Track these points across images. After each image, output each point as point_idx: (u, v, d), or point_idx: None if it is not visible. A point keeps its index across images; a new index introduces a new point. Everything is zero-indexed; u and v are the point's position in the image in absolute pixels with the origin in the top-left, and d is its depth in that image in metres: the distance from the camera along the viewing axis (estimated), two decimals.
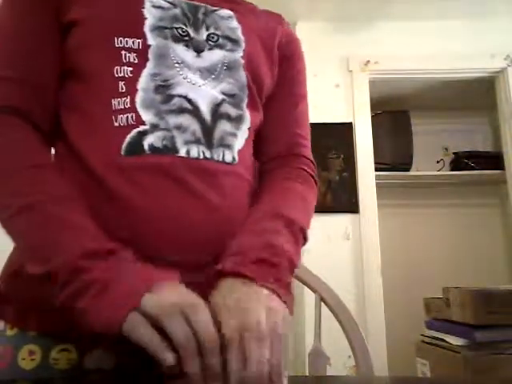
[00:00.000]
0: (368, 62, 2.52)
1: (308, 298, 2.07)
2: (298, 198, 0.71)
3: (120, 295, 0.48)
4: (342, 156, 2.43)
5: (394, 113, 2.97)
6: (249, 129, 0.69)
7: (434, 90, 2.87)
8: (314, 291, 0.92)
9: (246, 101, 0.68)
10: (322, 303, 0.90)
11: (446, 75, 2.58)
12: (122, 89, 0.61)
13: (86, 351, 0.58)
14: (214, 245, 0.59)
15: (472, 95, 2.86)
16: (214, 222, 0.60)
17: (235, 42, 0.69)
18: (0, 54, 0.63)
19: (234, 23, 0.71)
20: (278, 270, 0.56)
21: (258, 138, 0.74)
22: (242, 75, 0.68)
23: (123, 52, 0.62)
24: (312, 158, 0.81)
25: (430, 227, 3.11)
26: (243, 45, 0.70)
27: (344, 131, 2.46)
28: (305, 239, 0.67)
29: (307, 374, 1.00)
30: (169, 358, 0.45)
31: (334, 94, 2.51)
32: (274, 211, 0.64)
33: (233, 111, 0.66)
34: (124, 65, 0.62)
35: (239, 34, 0.70)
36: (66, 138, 0.63)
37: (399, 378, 0.98)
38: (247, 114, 0.69)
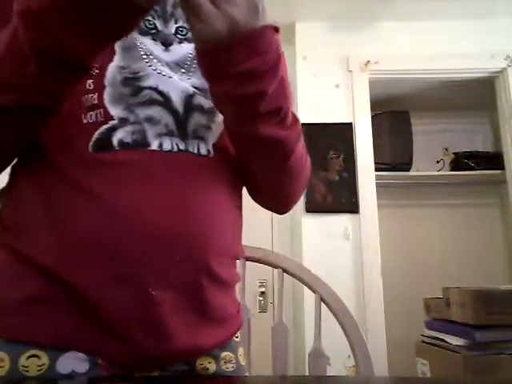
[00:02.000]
0: (368, 62, 2.52)
1: (308, 298, 2.07)
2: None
3: None
4: (342, 156, 2.43)
5: (394, 113, 2.97)
6: (224, 121, 0.65)
7: (434, 90, 2.87)
8: (314, 291, 0.92)
9: None
10: (322, 303, 0.90)
11: (446, 75, 2.58)
12: (90, 86, 0.59)
13: (59, 354, 0.55)
14: (185, 241, 0.57)
15: (472, 95, 2.86)
16: (186, 216, 0.57)
17: None
18: None
19: None
20: None
21: None
22: None
23: None
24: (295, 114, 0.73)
25: (430, 227, 3.11)
26: None
27: (344, 131, 2.46)
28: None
29: (307, 374, 1.00)
30: None
31: (334, 94, 2.51)
32: None
33: (206, 103, 0.63)
34: None
35: None
36: (39, 144, 0.60)
37: (399, 378, 0.98)
38: None
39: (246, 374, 0.72)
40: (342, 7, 2.45)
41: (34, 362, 0.54)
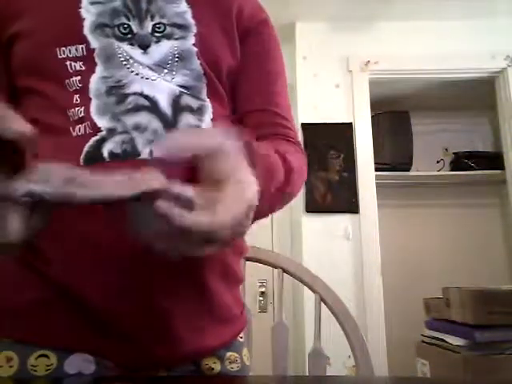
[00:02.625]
0: (368, 62, 2.52)
1: (308, 298, 2.07)
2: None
3: None
4: (342, 156, 2.43)
5: (394, 113, 2.97)
6: (212, 120, 0.63)
7: (434, 90, 2.87)
8: (314, 291, 0.92)
9: (205, 90, 0.64)
10: (322, 303, 0.90)
11: (446, 75, 2.58)
12: (77, 100, 0.59)
13: (66, 355, 0.56)
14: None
15: (472, 95, 2.86)
16: None
17: (184, 28, 0.64)
18: None
19: (183, 6, 0.65)
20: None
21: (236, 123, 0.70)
22: (197, 64, 0.64)
23: (68, 62, 0.59)
24: (297, 138, 0.73)
25: (430, 227, 3.11)
26: (194, 29, 0.65)
27: (344, 131, 2.46)
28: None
29: (307, 374, 1.00)
30: None
31: (334, 94, 2.51)
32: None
33: (194, 102, 0.62)
34: (72, 75, 0.59)
35: (188, 17, 0.65)
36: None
37: (399, 378, 0.98)
38: (209, 104, 0.64)
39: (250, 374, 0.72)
40: (342, 7, 2.45)
41: (43, 361, 0.55)
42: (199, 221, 0.40)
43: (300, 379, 0.80)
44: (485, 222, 3.12)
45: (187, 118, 0.61)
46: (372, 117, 2.53)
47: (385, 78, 2.59)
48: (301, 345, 2.25)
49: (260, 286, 2.61)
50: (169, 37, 0.63)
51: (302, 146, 0.74)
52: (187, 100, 0.62)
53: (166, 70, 0.62)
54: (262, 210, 0.51)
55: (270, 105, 0.71)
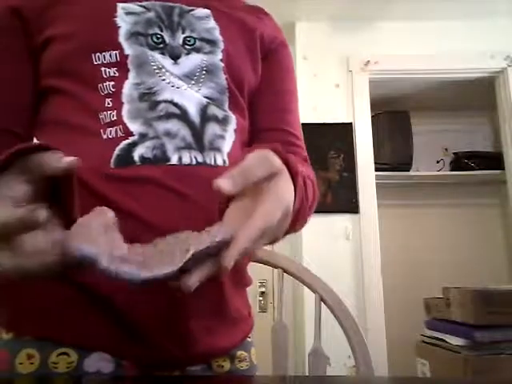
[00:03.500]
0: (368, 62, 2.52)
1: (308, 298, 2.07)
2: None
3: None
4: (342, 156, 2.43)
5: (394, 113, 2.97)
6: (235, 130, 0.67)
7: (434, 90, 2.87)
8: (314, 291, 0.92)
9: (227, 103, 0.68)
10: (322, 303, 0.90)
11: (445, 75, 2.58)
12: (109, 104, 0.61)
13: (86, 354, 0.57)
14: None
15: (472, 95, 2.86)
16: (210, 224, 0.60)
17: (213, 43, 0.68)
18: None
19: (211, 23, 0.70)
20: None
21: (249, 139, 0.73)
22: (222, 79, 0.67)
23: (103, 68, 0.62)
24: (307, 158, 0.79)
25: (429, 227, 3.11)
26: (222, 45, 0.69)
27: (344, 131, 2.46)
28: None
29: (307, 374, 1.00)
30: None
31: (334, 94, 2.51)
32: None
33: (219, 113, 0.66)
34: (106, 80, 0.62)
35: (217, 34, 0.69)
36: None
37: (399, 378, 0.98)
38: (232, 115, 0.68)
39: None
40: (342, 7, 2.45)
41: (64, 359, 0.56)
42: (238, 245, 0.42)
43: (300, 379, 0.80)
44: (485, 222, 3.11)
45: (213, 128, 0.64)
46: (372, 117, 2.53)
47: (385, 78, 2.59)
48: (301, 345, 2.25)
49: (260, 286, 2.61)
50: (198, 50, 0.66)
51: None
52: (214, 110, 0.65)
53: (192, 82, 0.65)
54: (293, 224, 0.55)
55: (283, 123, 0.76)
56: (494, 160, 2.93)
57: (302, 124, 0.80)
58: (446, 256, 3.00)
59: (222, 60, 0.68)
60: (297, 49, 2.53)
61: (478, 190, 3.12)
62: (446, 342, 1.80)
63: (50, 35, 0.63)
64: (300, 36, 2.55)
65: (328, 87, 2.51)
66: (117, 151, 0.58)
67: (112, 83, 0.61)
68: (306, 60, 2.53)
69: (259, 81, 0.75)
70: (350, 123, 2.47)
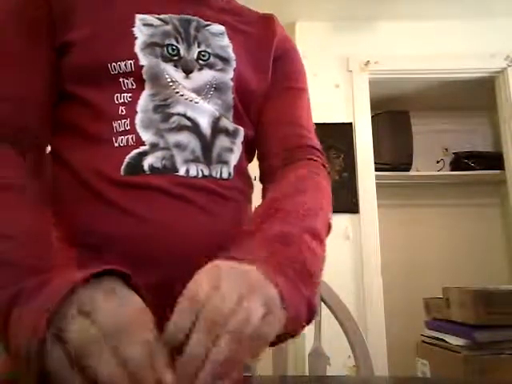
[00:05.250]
0: (368, 62, 2.52)
1: None
2: (315, 189, 0.68)
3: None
4: (342, 156, 2.43)
5: (394, 113, 2.97)
6: (242, 143, 0.69)
7: (434, 90, 2.87)
8: None
9: (231, 117, 0.69)
10: (322, 303, 0.90)
11: (446, 75, 2.58)
12: (122, 112, 0.62)
13: None
14: (209, 258, 0.59)
15: (472, 95, 2.86)
16: (214, 235, 0.61)
17: (226, 61, 0.69)
18: None
19: (226, 41, 0.71)
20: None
21: (261, 139, 0.74)
22: (230, 97, 0.69)
23: (121, 79, 0.63)
24: (319, 147, 0.79)
25: (429, 227, 3.10)
26: (234, 64, 0.70)
27: (344, 131, 2.46)
28: (328, 229, 0.65)
29: (307, 374, 1.00)
30: None
31: (334, 94, 2.51)
32: (292, 215, 0.60)
33: (230, 125, 0.68)
34: (124, 92, 0.63)
35: (230, 52, 0.70)
36: (58, 156, 0.64)
37: (399, 378, 0.98)
38: (240, 128, 0.70)
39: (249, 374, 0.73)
40: (342, 7, 2.45)
41: None
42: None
43: (300, 379, 0.80)
44: (485, 222, 3.11)
45: (223, 140, 0.66)
46: (372, 117, 2.53)
47: (385, 78, 2.59)
48: (301, 345, 2.25)
49: None
50: (211, 66, 0.68)
51: None
52: (225, 123, 0.67)
53: (201, 96, 0.66)
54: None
55: (296, 126, 0.78)
56: (493, 160, 2.92)
57: None
58: (446, 256, 3.00)
59: (232, 79, 0.69)
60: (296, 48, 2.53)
61: (478, 189, 3.12)
62: (446, 342, 1.80)
63: (70, 40, 0.64)
64: (300, 36, 2.55)
65: (328, 87, 2.51)
66: (127, 159, 0.60)
67: (129, 95, 0.63)
68: (305, 60, 2.50)
69: (269, 86, 0.75)
70: (350, 123, 2.47)
